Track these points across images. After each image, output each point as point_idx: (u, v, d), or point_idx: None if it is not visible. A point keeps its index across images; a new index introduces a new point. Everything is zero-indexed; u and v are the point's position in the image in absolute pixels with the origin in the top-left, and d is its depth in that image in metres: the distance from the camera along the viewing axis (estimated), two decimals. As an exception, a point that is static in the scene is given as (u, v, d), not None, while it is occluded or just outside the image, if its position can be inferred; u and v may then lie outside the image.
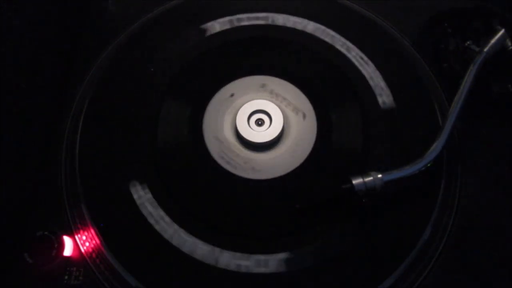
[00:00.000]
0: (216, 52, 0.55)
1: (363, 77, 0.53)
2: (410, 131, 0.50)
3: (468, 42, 0.51)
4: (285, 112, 0.51)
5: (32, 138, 0.50)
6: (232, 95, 0.53)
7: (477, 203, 0.48)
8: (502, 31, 0.49)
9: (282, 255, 0.45)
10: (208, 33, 0.56)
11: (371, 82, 0.53)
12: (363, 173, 0.44)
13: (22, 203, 0.48)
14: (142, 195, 0.47)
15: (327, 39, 0.55)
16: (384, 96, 0.52)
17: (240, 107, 0.51)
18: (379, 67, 0.53)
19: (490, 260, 0.46)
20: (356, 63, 0.54)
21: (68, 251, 0.45)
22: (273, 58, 0.55)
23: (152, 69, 0.54)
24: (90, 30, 0.57)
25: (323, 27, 0.56)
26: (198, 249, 0.45)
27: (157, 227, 0.46)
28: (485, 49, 0.48)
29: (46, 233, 0.44)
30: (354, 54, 0.54)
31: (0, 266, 0.45)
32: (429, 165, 0.44)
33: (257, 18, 0.57)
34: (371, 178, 0.43)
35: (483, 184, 0.48)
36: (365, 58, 0.54)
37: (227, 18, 0.57)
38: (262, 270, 0.44)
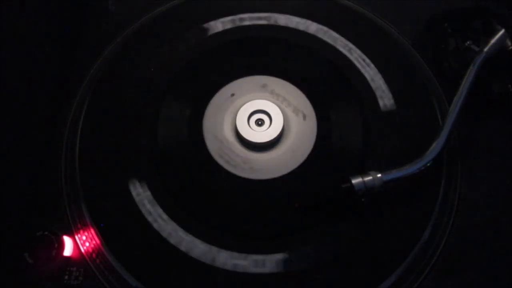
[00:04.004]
0: (216, 52, 0.55)
1: (363, 77, 0.53)
2: (410, 131, 0.50)
3: (468, 42, 0.51)
4: (285, 113, 0.51)
5: (32, 138, 0.50)
6: (232, 94, 0.53)
7: (477, 203, 0.48)
8: (502, 31, 0.49)
9: (281, 255, 0.45)
10: (208, 33, 0.56)
11: (371, 83, 0.53)
12: (363, 173, 0.44)
13: (22, 203, 0.48)
14: (141, 194, 0.47)
15: (328, 40, 0.55)
16: (384, 96, 0.52)
17: (240, 107, 0.51)
18: (379, 67, 0.53)
19: (490, 260, 0.46)
20: (357, 64, 0.54)
21: (68, 251, 0.45)
22: (274, 58, 0.55)
23: (152, 69, 0.54)
24: (90, 30, 0.57)
25: (325, 28, 0.56)
26: (197, 248, 0.45)
27: (156, 226, 0.46)
28: (485, 49, 0.48)
29: (46, 233, 0.44)
30: (355, 54, 0.54)
31: (0, 266, 0.45)
32: (428, 164, 0.44)
33: (259, 18, 0.57)
34: (370, 177, 0.43)
35: (483, 184, 0.48)
36: (366, 58, 0.54)
37: (228, 18, 0.57)
38: (260, 270, 0.44)
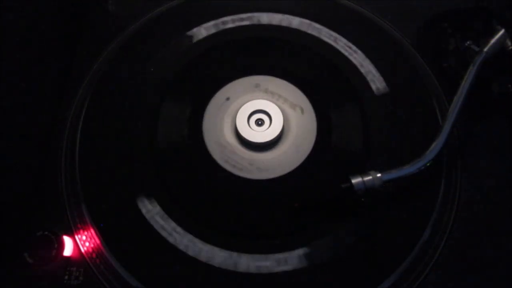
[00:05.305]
0: (216, 52, 0.55)
1: (363, 77, 0.53)
2: (410, 131, 0.50)
3: (468, 42, 0.51)
4: (284, 110, 0.51)
5: (32, 138, 0.50)
6: (227, 98, 0.52)
7: (477, 203, 0.48)
8: (502, 31, 0.49)
9: (281, 255, 0.45)
10: (199, 37, 0.56)
11: (371, 82, 0.53)
12: (363, 173, 0.44)
13: (22, 203, 0.48)
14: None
15: (328, 40, 0.55)
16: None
17: (239, 108, 0.51)
18: (379, 67, 0.53)
19: (490, 260, 0.46)
20: (356, 63, 0.54)
21: (68, 251, 0.45)
22: (275, 59, 0.55)
23: (152, 69, 0.54)
24: (90, 30, 0.57)
25: (321, 27, 0.56)
26: (197, 248, 0.45)
27: (156, 226, 0.46)
28: (485, 49, 0.48)
29: (46, 233, 0.44)
30: (354, 54, 0.54)
31: (0, 266, 0.45)
32: (428, 164, 0.44)
33: (242, 19, 0.57)
34: (370, 177, 0.43)
35: (483, 184, 0.48)
36: (366, 58, 0.54)
37: (227, 18, 0.57)
38: (261, 270, 0.44)
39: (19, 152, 0.49)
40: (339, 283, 0.44)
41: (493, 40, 0.49)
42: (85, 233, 0.47)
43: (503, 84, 0.50)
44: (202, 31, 0.56)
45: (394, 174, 0.44)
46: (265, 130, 0.50)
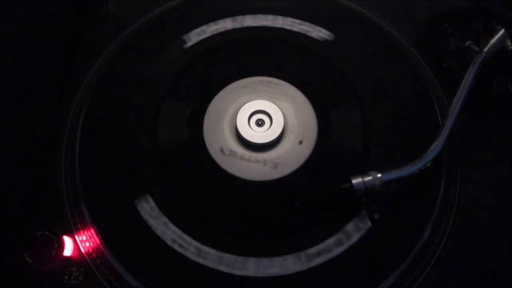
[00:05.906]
0: (216, 52, 0.55)
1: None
2: (410, 131, 0.50)
3: (468, 42, 0.51)
4: (286, 113, 0.51)
5: (32, 138, 0.50)
6: (228, 99, 0.52)
7: (477, 203, 0.48)
8: (502, 31, 0.49)
9: (281, 256, 0.45)
10: (200, 37, 0.56)
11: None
12: (363, 173, 0.44)
13: (22, 203, 0.48)
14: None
15: (327, 40, 0.55)
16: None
17: (239, 108, 0.51)
18: (379, 67, 0.53)
19: (490, 260, 0.46)
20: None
21: (68, 251, 0.45)
22: (275, 59, 0.55)
23: (152, 69, 0.54)
24: (90, 30, 0.57)
25: (321, 27, 0.56)
26: (196, 249, 0.45)
27: (156, 227, 0.46)
28: (485, 49, 0.48)
29: (46, 233, 0.44)
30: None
31: (0, 266, 0.45)
32: (428, 164, 0.44)
33: (244, 20, 0.57)
34: (370, 177, 0.43)
35: (483, 184, 0.48)
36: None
37: (228, 19, 0.57)
38: (261, 271, 0.44)
39: (19, 152, 0.49)
40: (339, 283, 0.44)
41: (493, 40, 0.49)
42: (85, 233, 0.47)
43: (503, 84, 0.50)
44: (203, 31, 0.56)
45: (394, 174, 0.44)
46: (265, 130, 0.50)
